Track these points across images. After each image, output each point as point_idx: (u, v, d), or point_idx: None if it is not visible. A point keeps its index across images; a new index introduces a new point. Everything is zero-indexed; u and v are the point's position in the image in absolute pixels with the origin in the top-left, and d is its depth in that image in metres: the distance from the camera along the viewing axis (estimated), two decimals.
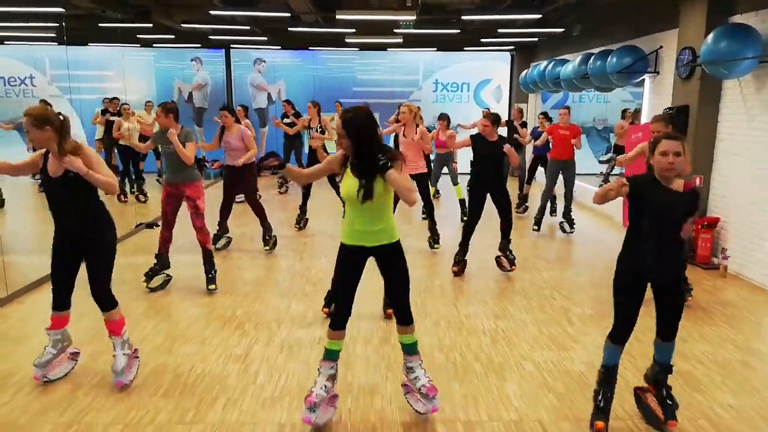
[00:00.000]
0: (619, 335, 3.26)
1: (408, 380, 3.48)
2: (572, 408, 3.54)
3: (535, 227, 8.28)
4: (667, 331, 3.23)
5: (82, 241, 3.63)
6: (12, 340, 4.47)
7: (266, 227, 7.06)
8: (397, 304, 3.40)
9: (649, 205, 3.05)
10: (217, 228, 7.01)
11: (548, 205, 8.57)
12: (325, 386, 3.31)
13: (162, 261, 5.69)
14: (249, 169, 6.71)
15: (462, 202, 9.14)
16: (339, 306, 3.38)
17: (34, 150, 3.77)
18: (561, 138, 8.07)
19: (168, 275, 5.75)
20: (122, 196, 10.17)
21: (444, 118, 8.85)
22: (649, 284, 3.19)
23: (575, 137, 7.99)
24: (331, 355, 3.35)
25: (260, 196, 9.57)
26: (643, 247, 3.12)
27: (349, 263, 3.30)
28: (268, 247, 7.01)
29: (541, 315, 5.08)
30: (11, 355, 4.20)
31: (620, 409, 3.49)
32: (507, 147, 5.90)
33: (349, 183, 3.18)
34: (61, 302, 3.78)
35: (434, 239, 7.25)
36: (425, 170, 7.04)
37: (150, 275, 5.64)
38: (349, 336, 4.40)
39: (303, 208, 8.33)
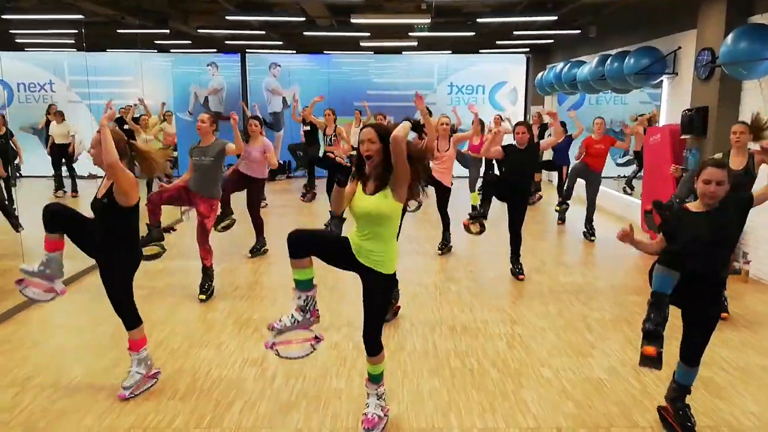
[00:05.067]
0: (673, 261, 3.01)
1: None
2: (591, 415, 3.49)
3: (560, 221, 8.23)
4: (692, 354, 3.20)
5: (100, 248, 3.63)
6: (32, 345, 4.52)
7: (260, 240, 7.04)
8: (364, 333, 3.26)
9: (687, 236, 3.05)
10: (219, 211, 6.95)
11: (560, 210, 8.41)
12: (292, 315, 3.27)
13: (150, 231, 5.41)
14: (260, 181, 6.75)
15: (474, 207, 9.10)
16: (305, 233, 3.30)
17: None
18: (595, 152, 7.84)
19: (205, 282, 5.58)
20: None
21: (479, 123, 8.98)
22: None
23: (608, 149, 7.84)
24: (298, 284, 3.29)
25: (266, 205, 9.58)
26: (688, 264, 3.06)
27: (344, 249, 3.22)
28: (250, 255, 6.96)
29: (560, 321, 5.03)
30: (31, 358, 4.25)
31: (641, 419, 3.44)
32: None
33: (361, 200, 3.14)
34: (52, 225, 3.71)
35: (443, 245, 7.17)
36: (449, 186, 6.94)
37: (144, 241, 5.28)
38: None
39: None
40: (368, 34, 11.28)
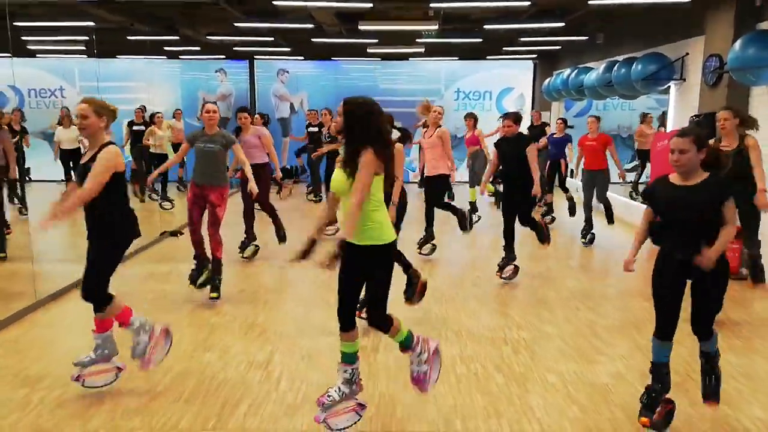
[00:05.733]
0: (658, 329, 3.28)
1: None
2: (596, 421, 3.48)
3: (583, 240, 8.10)
4: (696, 326, 3.24)
5: (89, 230, 3.65)
6: (41, 346, 4.56)
7: (279, 228, 7.07)
8: (370, 310, 3.33)
9: (660, 205, 3.22)
10: (244, 236, 7.05)
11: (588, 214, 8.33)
12: (340, 389, 3.31)
13: (201, 261, 5.60)
14: (263, 170, 6.77)
15: (472, 204, 9.11)
16: (338, 304, 3.35)
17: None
18: (589, 149, 7.92)
19: (220, 281, 5.56)
20: (141, 195, 10.43)
21: (470, 116, 8.90)
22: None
23: (604, 147, 7.82)
24: (344, 358, 3.35)
25: (290, 191, 9.61)
26: (667, 240, 3.27)
27: (344, 258, 3.24)
28: (282, 243, 7.02)
29: (566, 326, 5.02)
30: (40, 359, 4.28)
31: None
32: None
33: (336, 175, 3.20)
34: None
35: (423, 242, 7.09)
36: (446, 172, 6.87)
37: (193, 278, 5.59)
38: (371, 345, 4.44)
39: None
40: (376, 40, 11.34)
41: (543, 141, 9.78)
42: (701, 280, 3.16)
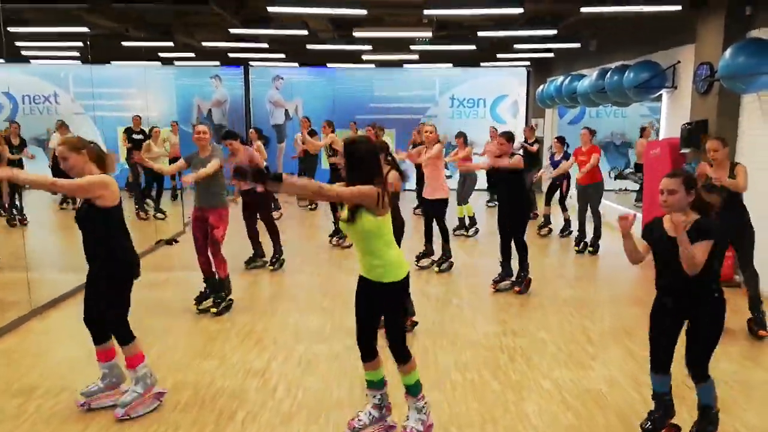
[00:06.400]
0: (653, 364, 3.30)
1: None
2: (591, 427, 3.50)
3: (576, 247, 8.14)
4: (689, 367, 3.19)
5: (93, 258, 3.59)
6: (35, 355, 4.55)
7: (277, 249, 7.07)
8: (389, 341, 3.34)
9: (654, 247, 3.21)
10: (252, 252, 7.09)
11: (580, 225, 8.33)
12: (370, 413, 3.35)
13: (211, 284, 5.58)
14: (262, 191, 6.76)
15: (461, 220, 9.13)
16: (356, 334, 3.38)
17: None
18: (581, 163, 7.94)
19: (223, 299, 5.54)
20: (142, 213, 10.31)
21: (460, 136, 8.87)
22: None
23: (589, 159, 7.83)
24: (370, 385, 3.39)
25: (280, 215, 9.67)
26: (659, 284, 3.26)
27: (358, 291, 3.33)
28: (272, 267, 7.00)
29: (560, 333, 5.05)
30: (34, 369, 4.27)
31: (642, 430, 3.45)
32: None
33: (342, 218, 3.20)
34: (92, 335, 3.71)
35: (443, 259, 7.04)
36: (444, 196, 6.81)
37: (199, 299, 5.57)
38: None
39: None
40: (370, 47, 11.38)
41: (542, 173, 9.78)
42: (695, 322, 3.15)
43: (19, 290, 5.52)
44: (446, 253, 7.03)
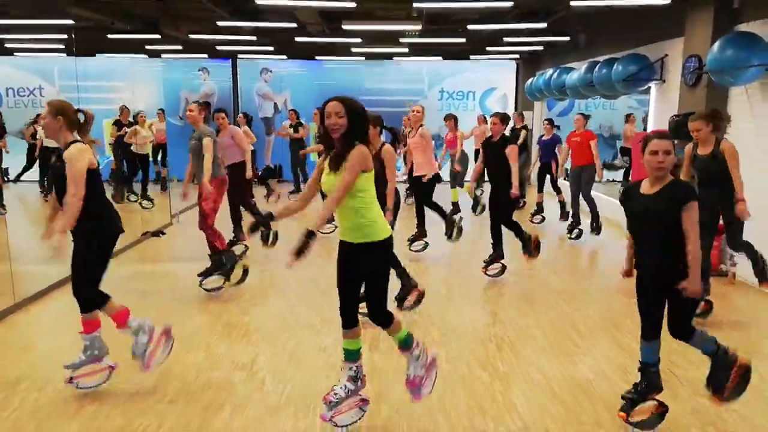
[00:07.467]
0: (642, 331, 3.30)
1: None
2: (579, 416, 3.52)
3: (569, 235, 8.22)
4: (673, 329, 3.25)
5: (73, 231, 3.58)
6: (20, 348, 4.50)
7: (235, 233, 7.03)
8: (369, 307, 3.34)
9: (628, 216, 3.26)
10: (232, 235, 7.00)
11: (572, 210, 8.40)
12: (345, 386, 3.32)
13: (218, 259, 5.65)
14: (239, 170, 6.74)
15: (455, 204, 9.16)
16: (339, 302, 3.36)
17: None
18: (575, 145, 8.13)
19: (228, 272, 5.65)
20: (119, 197, 10.31)
21: (450, 117, 8.90)
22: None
23: (587, 142, 7.98)
24: (347, 356, 3.36)
25: (279, 197, 9.63)
26: (637, 250, 3.31)
27: (339, 258, 3.31)
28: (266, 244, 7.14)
29: (549, 324, 5.06)
30: (19, 362, 4.22)
31: None
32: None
33: (327, 177, 3.18)
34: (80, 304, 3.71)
35: (449, 231, 7.13)
36: (429, 173, 6.86)
37: (205, 274, 5.66)
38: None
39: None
40: (359, 40, 11.33)
41: (534, 162, 9.88)
42: (675, 294, 3.15)
43: (3, 282, 5.45)
44: (450, 225, 7.11)
